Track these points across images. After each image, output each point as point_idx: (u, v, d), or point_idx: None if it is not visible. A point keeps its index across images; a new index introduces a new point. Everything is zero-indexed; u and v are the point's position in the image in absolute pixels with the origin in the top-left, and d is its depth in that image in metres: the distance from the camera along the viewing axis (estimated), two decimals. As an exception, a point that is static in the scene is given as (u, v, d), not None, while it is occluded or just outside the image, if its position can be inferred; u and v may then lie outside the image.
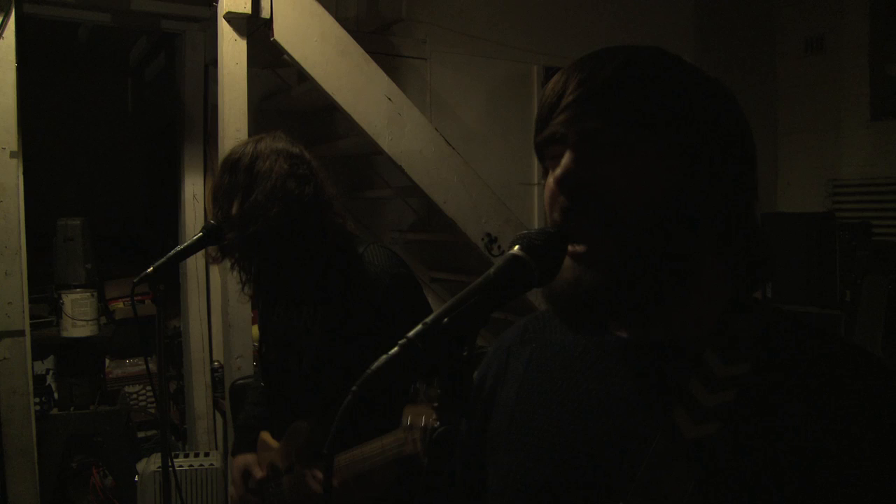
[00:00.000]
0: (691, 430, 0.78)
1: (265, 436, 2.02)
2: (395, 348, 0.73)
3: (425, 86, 4.63)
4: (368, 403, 1.60)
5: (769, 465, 0.75)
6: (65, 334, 3.63)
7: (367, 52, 3.49)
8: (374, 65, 3.50)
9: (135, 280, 1.89)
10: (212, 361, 4.24)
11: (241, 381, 2.99)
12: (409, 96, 3.70)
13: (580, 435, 0.87)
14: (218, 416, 4.22)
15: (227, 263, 1.94)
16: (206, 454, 3.74)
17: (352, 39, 3.44)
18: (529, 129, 5.22)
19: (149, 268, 1.87)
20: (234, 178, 1.85)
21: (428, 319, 0.74)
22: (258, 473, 1.99)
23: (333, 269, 1.88)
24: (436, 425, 0.74)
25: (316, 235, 1.87)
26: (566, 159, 0.82)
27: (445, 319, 0.74)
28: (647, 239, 0.80)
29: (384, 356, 0.73)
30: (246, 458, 2.05)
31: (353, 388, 0.73)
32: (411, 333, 0.73)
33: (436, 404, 0.73)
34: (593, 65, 0.83)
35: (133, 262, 3.21)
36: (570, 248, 0.81)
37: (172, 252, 1.94)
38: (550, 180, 0.84)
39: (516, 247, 0.79)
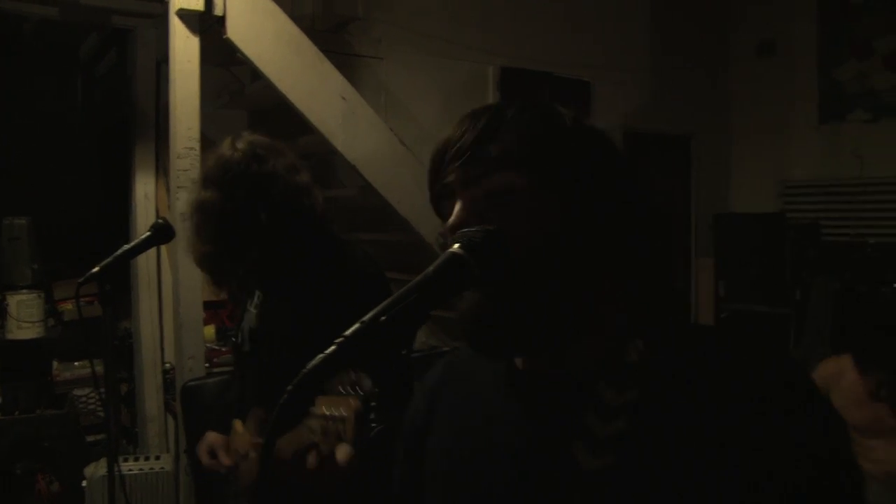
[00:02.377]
0: (590, 463, 0.80)
1: (237, 424, 2.01)
2: (332, 346, 0.72)
3: (380, 85, 4.61)
4: (313, 397, 1.58)
5: (667, 484, 0.76)
6: (9, 336, 3.56)
7: (322, 50, 3.47)
8: (328, 64, 3.48)
9: (80, 280, 1.86)
10: (163, 363, 4.16)
11: (192, 383, 2.94)
12: (364, 96, 3.68)
13: (500, 482, 0.88)
14: (170, 418, 4.15)
15: (176, 260, 1.91)
16: (157, 457, 3.67)
17: (306, 38, 3.41)
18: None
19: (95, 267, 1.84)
20: (233, 197, 1.80)
21: (366, 318, 0.73)
22: (225, 460, 1.98)
23: (313, 262, 1.87)
24: (374, 424, 0.73)
25: (305, 227, 1.87)
26: (457, 208, 0.88)
27: (383, 318, 0.73)
28: (530, 275, 0.82)
29: (320, 355, 0.72)
30: (214, 437, 2.03)
31: (289, 387, 0.72)
32: (348, 332, 0.73)
33: (373, 403, 0.73)
34: (470, 121, 0.90)
35: (83, 262, 3.14)
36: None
37: (120, 251, 1.91)
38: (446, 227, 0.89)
39: (456, 245, 0.79)
